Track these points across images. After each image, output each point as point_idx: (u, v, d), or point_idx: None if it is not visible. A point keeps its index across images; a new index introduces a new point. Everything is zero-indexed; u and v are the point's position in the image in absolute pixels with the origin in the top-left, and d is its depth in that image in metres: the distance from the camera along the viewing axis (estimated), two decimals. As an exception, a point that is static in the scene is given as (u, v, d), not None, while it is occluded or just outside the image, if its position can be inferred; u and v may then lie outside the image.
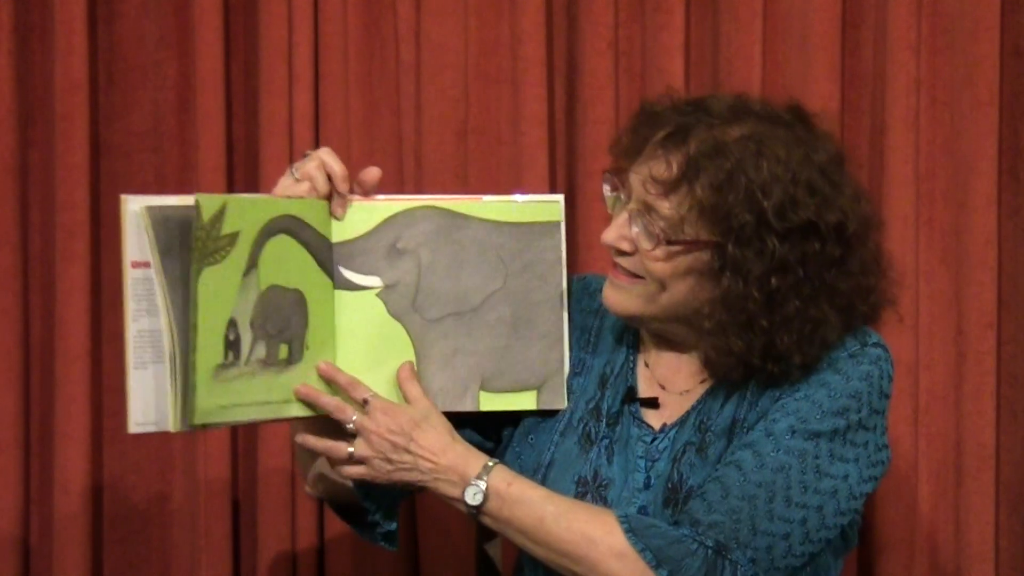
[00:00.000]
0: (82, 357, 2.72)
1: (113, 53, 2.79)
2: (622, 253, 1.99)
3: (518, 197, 2.10)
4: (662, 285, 1.97)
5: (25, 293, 2.77)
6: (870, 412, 1.96)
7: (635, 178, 1.98)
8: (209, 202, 1.92)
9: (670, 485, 1.98)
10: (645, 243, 1.96)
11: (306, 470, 2.17)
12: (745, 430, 1.97)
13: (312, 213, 2.02)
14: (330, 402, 2.01)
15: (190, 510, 2.78)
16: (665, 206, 1.94)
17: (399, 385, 2.04)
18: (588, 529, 1.92)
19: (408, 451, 1.98)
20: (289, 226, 1.99)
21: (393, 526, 2.12)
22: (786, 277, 1.92)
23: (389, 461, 1.98)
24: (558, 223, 2.08)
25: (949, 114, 2.73)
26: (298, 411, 2.03)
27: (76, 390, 2.72)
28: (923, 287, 2.73)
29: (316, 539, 2.76)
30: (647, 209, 1.96)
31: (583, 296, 2.16)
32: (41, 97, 2.76)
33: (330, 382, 2.03)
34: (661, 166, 1.95)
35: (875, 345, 1.99)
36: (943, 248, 2.74)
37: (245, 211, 1.95)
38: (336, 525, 2.74)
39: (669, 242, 1.94)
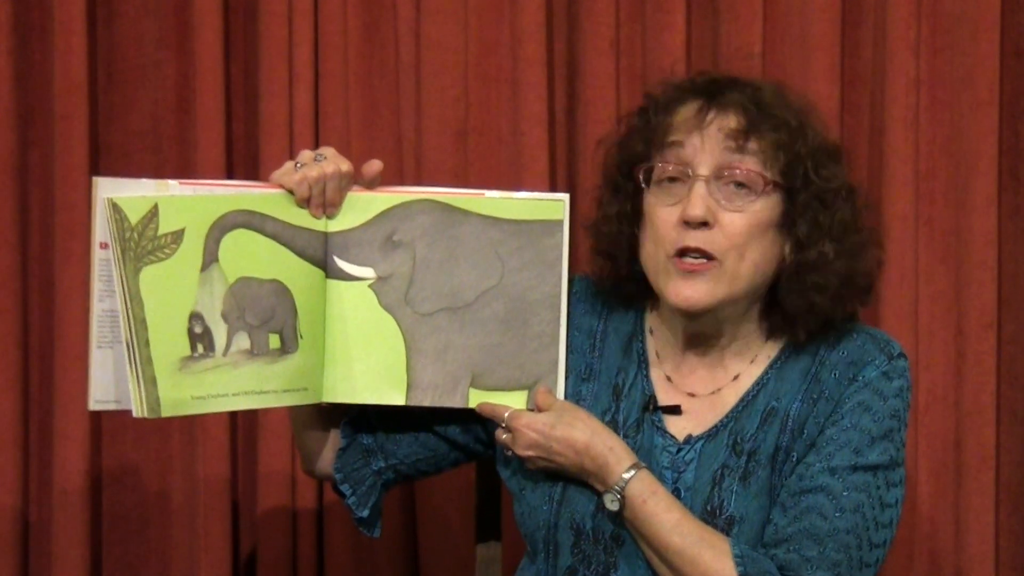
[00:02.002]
0: (81, 357, 2.69)
1: (113, 53, 2.79)
2: (700, 226, 1.98)
3: (521, 194, 2.10)
4: (740, 252, 1.98)
5: (24, 293, 2.76)
6: (904, 427, 2.01)
7: (696, 146, 1.99)
8: (134, 204, 1.95)
9: (709, 508, 1.99)
10: (735, 201, 1.98)
11: (301, 448, 2.20)
12: (794, 460, 1.99)
13: (272, 205, 2.03)
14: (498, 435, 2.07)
15: (189, 510, 2.77)
16: (748, 155, 1.98)
17: (537, 406, 2.06)
18: (709, 572, 1.94)
19: (550, 449, 2.01)
20: (246, 221, 2.02)
21: (365, 513, 2.15)
22: (846, 199, 2.02)
23: (541, 458, 2.02)
24: (560, 222, 2.08)
25: (949, 114, 2.73)
26: (299, 399, 2.07)
27: (75, 390, 2.71)
28: (923, 287, 2.73)
29: (315, 538, 2.76)
30: (727, 165, 1.98)
31: (586, 296, 2.15)
32: (40, 97, 2.76)
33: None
34: (728, 120, 1.99)
35: (900, 356, 2.03)
36: (943, 248, 2.74)
37: (187, 209, 1.99)
38: (336, 524, 2.74)
39: (766, 182, 1.97)
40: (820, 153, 2.00)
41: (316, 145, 2.74)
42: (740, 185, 1.98)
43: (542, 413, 2.03)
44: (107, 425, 2.78)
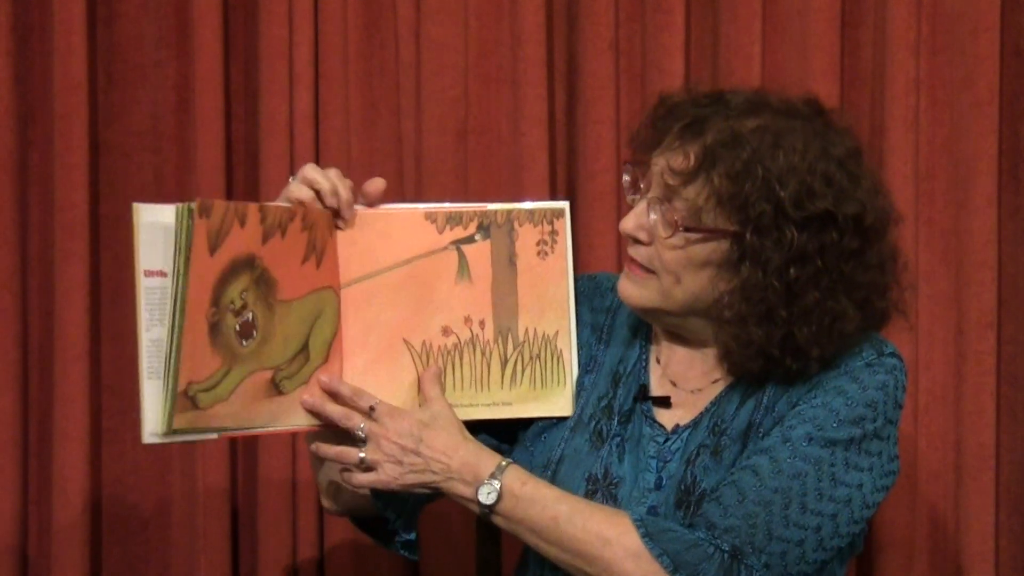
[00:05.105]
0: (81, 357, 2.72)
1: (112, 53, 2.79)
2: (637, 242, 2.00)
3: (522, 204, 2.10)
4: (676, 278, 1.98)
5: (24, 293, 2.76)
6: (885, 422, 1.97)
7: (655, 168, 1.99)
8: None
9: (683, 487, 1.98)
10: (662, 231, 1.97)
11: (323, 485, 2.15)
12: (761, 435, 1.97)
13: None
14: (336, 411, 2.01)
15: (189, 510, 2.77)
16: (684, 195, 1.95)
17: (421, 384, 2.04)
18: (603, 529, 1.92)
19: (418, 453, 1.97)
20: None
21: (413, 535, 2.12)
22: (805, 267, 1.93)
23: (400, 463, 1.97)
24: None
25: (949, 114, 2.73)
26: (304, 420, 2.03)
27: (75, 390, 2.71)
28: (923, 287, 2.73)
29: (316, 538, 2.75)
30: (666, 197, 1.97)
31: (594, 294, 2.16)
32: (40, 97, 2.76)
33: (333, 395, 2.02)
34: (679, 157, 1.96)
35: (891, 355, 2.00)
36: (943, 248, 2.74)
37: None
38: (336, 525, 2.74)
39: (687, 229, 1.95)
40: (781, 217, 1.92)
41: (316, 145, 2.74)
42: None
43: (414, 412, 2.00)
44: (107, 426, 2.78)
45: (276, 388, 1.99)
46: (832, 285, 1.94)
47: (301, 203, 2.00)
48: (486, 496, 1.95)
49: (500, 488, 1.95)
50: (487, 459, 1.98)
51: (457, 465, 1.97)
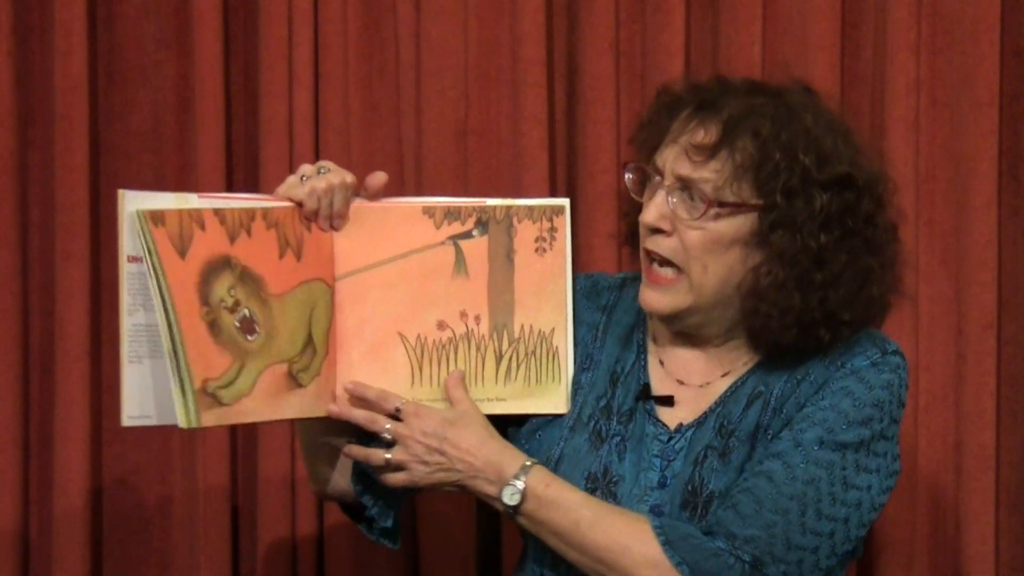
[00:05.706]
0: (82, 357, 2.72)
1: (113, 53, 2.79)
2: (657, 233, 1.99)
3: (522, 200, 2.10)
4: (704, 265, 1.98)
5: (25, 293, 2.76)
6: (890, 422, 1.99)
7: (668, 154, 2.00)
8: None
9: (690, 488, 1.98)
10: (686, 214, 1.97)
11: (312, 470, 2.17)
12: (769, 436, 1.98)
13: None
14: (361, 415, 2.04)
15: (190, 511, 2.77)
16: (707, 172, 1.96)
17: (447, 389, 2.06)
18: (623, 537, 1.94)
19: (442, 451, 2.00)
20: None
21: (390, 523, 2.13)
22: (832, 231, 1.96)
23: (425, 463, 2.00)
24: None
25: (949, 115, 2.73)
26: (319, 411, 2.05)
27: (76, 390, 2.71)
28: (923, 288, 2.73)
29: (316, 539, 2.75)
30: (686, 181, 1.97)
31: (591, 294, 2.17)
32: (41, 97, 2.76)
33: (360, 399, 2.04)
34: (699, 133, 1.98)
35: (894, 353, 2.01)
36: (943, 249, 2.74)
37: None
38: (336, 526, 2.74)
39: (720, 204, 1.95)
40: (808, 182, 1.95)
41: (316, 146, 2.74)
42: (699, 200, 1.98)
43: (440, 411, 2.03)
44: (107, 426, 2.78)
45: (295, 380, 2.02)
46: (857, 247, 1.97)
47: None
48: (510, 497, 1.97)
49: (524, 489, 1.97)
50: (511, 458, 1.99)
51: (481, 464, 1.99)
